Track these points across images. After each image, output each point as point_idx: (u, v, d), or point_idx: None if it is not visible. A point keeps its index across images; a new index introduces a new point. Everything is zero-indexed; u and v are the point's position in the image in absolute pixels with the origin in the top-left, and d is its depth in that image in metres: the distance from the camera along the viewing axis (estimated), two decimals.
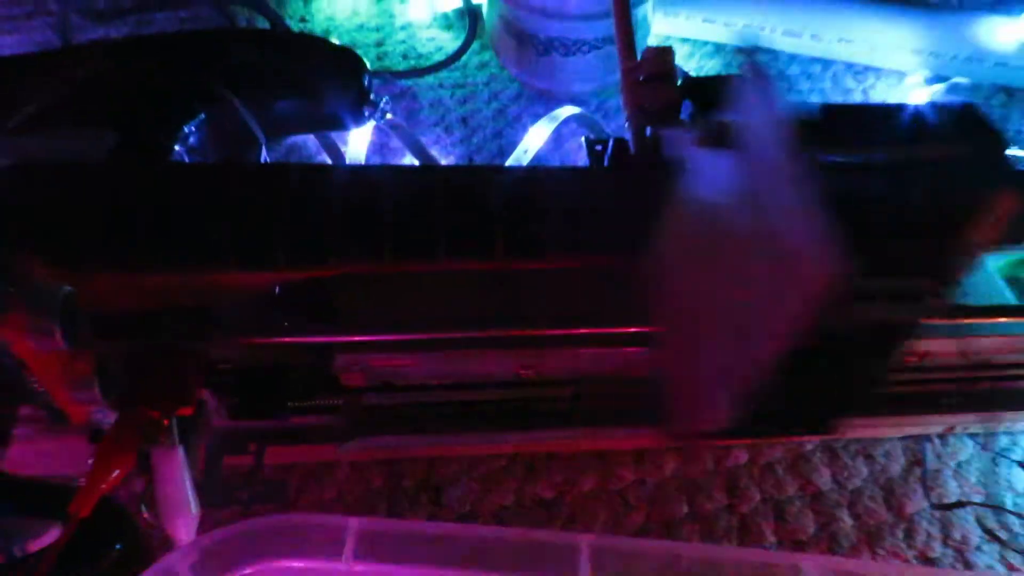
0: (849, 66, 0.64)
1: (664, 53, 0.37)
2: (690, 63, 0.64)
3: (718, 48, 0.65)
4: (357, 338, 0.31)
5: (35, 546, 0.22)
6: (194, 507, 0.25)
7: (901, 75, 0.63)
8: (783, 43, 0.64)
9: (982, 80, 0.63)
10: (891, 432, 0.40)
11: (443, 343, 0.32)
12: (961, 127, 0.36)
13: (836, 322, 0.26)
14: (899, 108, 0.36)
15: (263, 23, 0.61)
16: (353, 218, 0.32)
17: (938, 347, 0.34)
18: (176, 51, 0.39)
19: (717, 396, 0.27)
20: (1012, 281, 0.38)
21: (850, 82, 0.63)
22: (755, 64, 0.25)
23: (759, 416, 0.28)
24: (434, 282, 0.33)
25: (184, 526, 0.25)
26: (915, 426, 0.39)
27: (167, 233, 0.28)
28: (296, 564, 0.22)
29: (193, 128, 0.36)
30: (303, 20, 0.63)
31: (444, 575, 0.22)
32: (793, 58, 0.65)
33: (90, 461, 0.23)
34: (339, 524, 0.22)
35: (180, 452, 0.25)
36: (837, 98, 0.63)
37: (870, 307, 0.28)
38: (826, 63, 0.65)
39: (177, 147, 0.35)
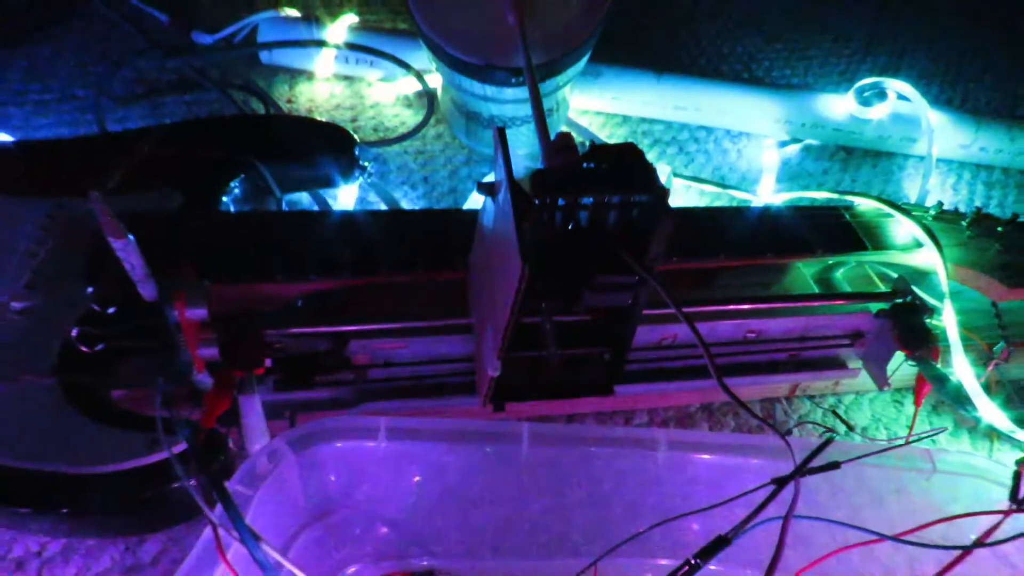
0: (727, 132, 0.82)
1: (567, 136, 0.52)
2: (603, 131, 0.81)
3: (625, 119, 0.82)
4: (364, 327, 0.44)
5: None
6: (267, 433, 0.37)
7: (765, 137, 0.81)
8: (675, 115, 0.81)
9: (826, 141, 0.81)
10: (749, 394, 0.55)
11: (422, 330, 0.45)
12: None
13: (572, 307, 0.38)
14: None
15: (257, 104, 0.76)
16: (356, 245, 0.45)
17: (767, 326, 0.49)
18: (219, 132, 0.52)
19: (486, 351, 0.39)
20: (820, 281, 0.54)
21: (727, 144, 0.81)
22: (502, 133, 0.37)
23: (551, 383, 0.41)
24: (413, 289, 0.46)
25: (260, 444, 0.37)
26: (765, 387, 0.54)
27: (236, 258, 0.42)
28: (347, 445, 0.34)
29: (234, 187, 0.49)
30: (289, 101, 0.78)
31: (442, 448, 0.35)
32: (684, 126, 0.82)
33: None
34: (374, 423, 0.35)
35: (257, 397, 0.37)
36: (719, 156, 0.79)
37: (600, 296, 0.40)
38: (709, 130, 0.82)
39: (224, 199, 0.48)
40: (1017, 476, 0.35)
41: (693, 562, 0.33)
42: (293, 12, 0.81)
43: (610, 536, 0.37)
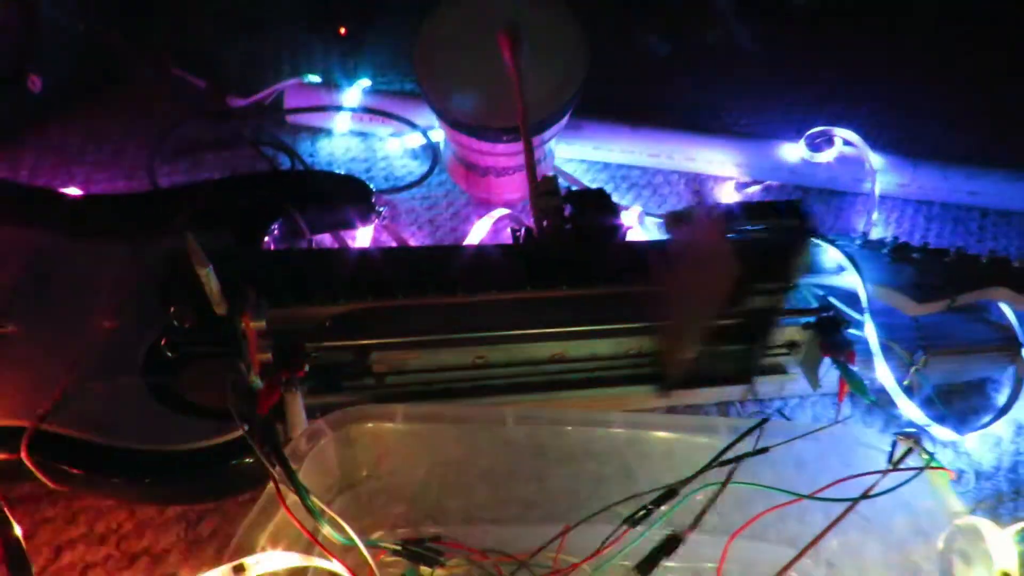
0: (696, 175, 0.93)
1: (550, 180, 0.63)
2: (586, 176, 0.92)
3: (606, 166, 0.93)
4: (382, 341, 0.54)
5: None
6: (306, 422, 0.47)
7: (730, 179, 0.92)
8: (649, 161, 0.92)
9: (784, 181, 0.92)
10: (707, 398, 0.64)
11: (430, 343, 0.55)
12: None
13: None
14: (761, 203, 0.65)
15: (284, 159, 0.87)
16: (375, 275, 0.56)
17: None
18: (260, 184, 0.63)
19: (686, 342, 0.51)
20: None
21: (696, 186, 0.92)
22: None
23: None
24: (422, 309, 0.56)
25: (301, 431, 0.47)
26: (722, 392, 0.64)
27: (280, 286, 0.52)
28: (373, 426, 0.44)
29: (273, 229, 0.60)
30: (311, 156, 0.89)
31: (445, 429, 0.46)
32: (658, 171, 0.93)
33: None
34: (394, 409, 0.45)
35: (299, 394, 0.47)
36: (688, 198, 0.90)
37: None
38: (680, 173, 0.93)
39: (266, 239, 0.59)
40: (893, 444, 0.45)
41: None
42: (315, 78, 0.93)
43: (581, 504, 0.46)
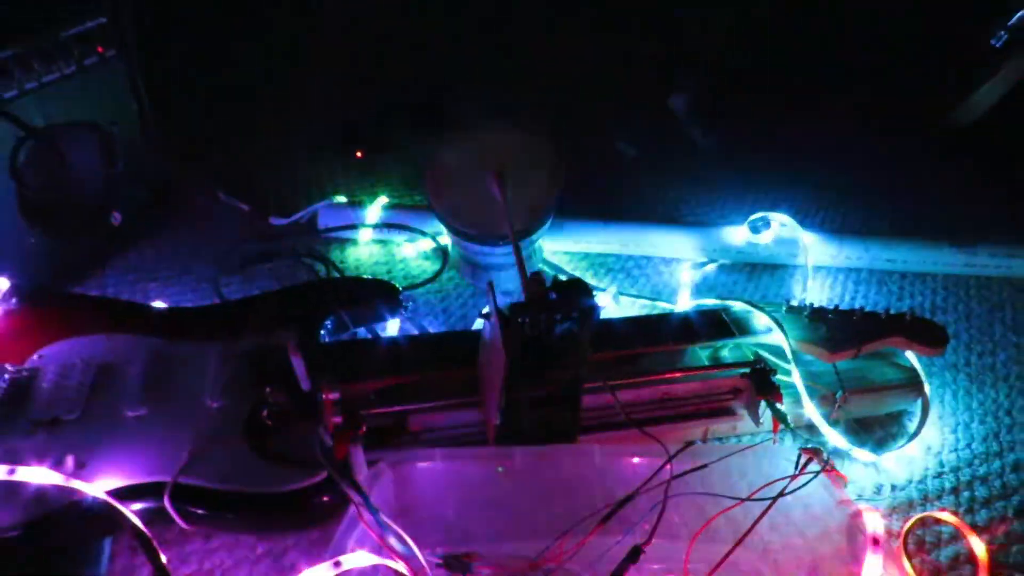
0: (661, 258, 1.11)
1: (538, 274, 0.81)
2: (570, 264, 1.10)
3: (586, 255, 1.12)
4: (414, 407, 0.71)
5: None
6: (365, 467, 0.63)
7: (688, 260, 1.10)
8: (622, 249, 1.11)
9: (734, 260, 1.11)
10: (673, 438, 0.80)
11: (450, 407, 0.72)
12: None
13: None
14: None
15: (320, 266, 1.06)
16: (405, 356, 0.73)
17: (674, 389, 0.76)
18: (314, 291, 0.82)
19: (490, 412, 0.67)
20: (713, 358, 0.82)
21: (661, 267, 1.10)
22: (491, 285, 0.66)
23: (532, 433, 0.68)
24: (444, 381, 0.74)
25: (363, 475, 0.62)
26: (683, 432, 0.80)
27: (338, 368, 0.69)
28: (420, 466, 0.60)
29: (327, 325, 0.78)
30: (342, 262, 1.08)
31: (471, 466, 0.61)
32: (630, 257, 1.12)
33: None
34: (434, 453, 0.61)
35: (360, 447, 0.63)
36: (655, 277, 1.08)
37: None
38: (648, 258, 1.11)
39: (322, 333, 0.76)
40: (799, 455, 0.61)
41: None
42: (342, 199, 1.13)
43: (573, 519, 0.62)
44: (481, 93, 1.34)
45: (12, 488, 0.57)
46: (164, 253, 1.08)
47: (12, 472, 0.56)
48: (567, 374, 0.65)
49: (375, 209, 1.10)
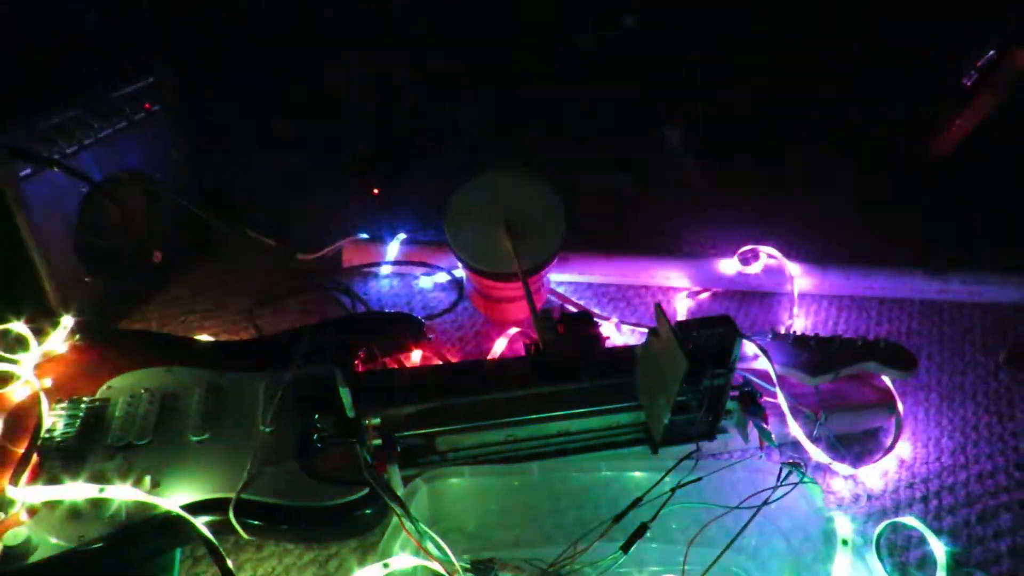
0: (659, 288, 1.21)
1: (547, 310, 0.91)
2: (575, 294, 1.20)
3: (590, 285, 1.21)
4: (440, 430, 0.80)
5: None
6: (402, 485, 0.72)
7: (684, 289, 1.20)
8: (622, 280, 1.20)
9: (725, 288, 1.20)
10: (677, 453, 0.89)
11: (474, 428, 0.81)
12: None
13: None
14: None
15: (345, 297, 1.15)
16: (430, 382, 0.82)
17: None
18: (346, 325, 0.91)
19: (657, 418, 0.77)
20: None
21: (659, 296, 1.19)
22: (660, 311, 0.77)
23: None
24: (468, 406, 0.83)
25: (401, 490, 0.71)
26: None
27: (372, 394, 0.78)
28: (451, 481, 0.69)
29: (360, 356, 0.87)
30: (365, 294, 1.17)
31: (493, 480, 0.70)
32: (630, 286, 1.21)
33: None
34: (462, 470, 0.70)
35: (396, 466, 0.72)
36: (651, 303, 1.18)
37: None
38: (645, 288, 1.21)
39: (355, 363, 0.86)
40: (780, 470, 0.70)
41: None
42: (364, 236, 1.22)
43: (584, 527, 0.71)
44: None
45: (101, 504, 0.66)
46: (200, 288, 1.17)
47: (102, 491, 0.65)
48: (720, 379, 0.76)
49: (395, 245, 1.20)
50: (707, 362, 0.75)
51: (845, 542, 0.64)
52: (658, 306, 0.77)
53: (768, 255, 1.19)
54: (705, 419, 0.81)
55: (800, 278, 1.18)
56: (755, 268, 1.18)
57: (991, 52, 1.48)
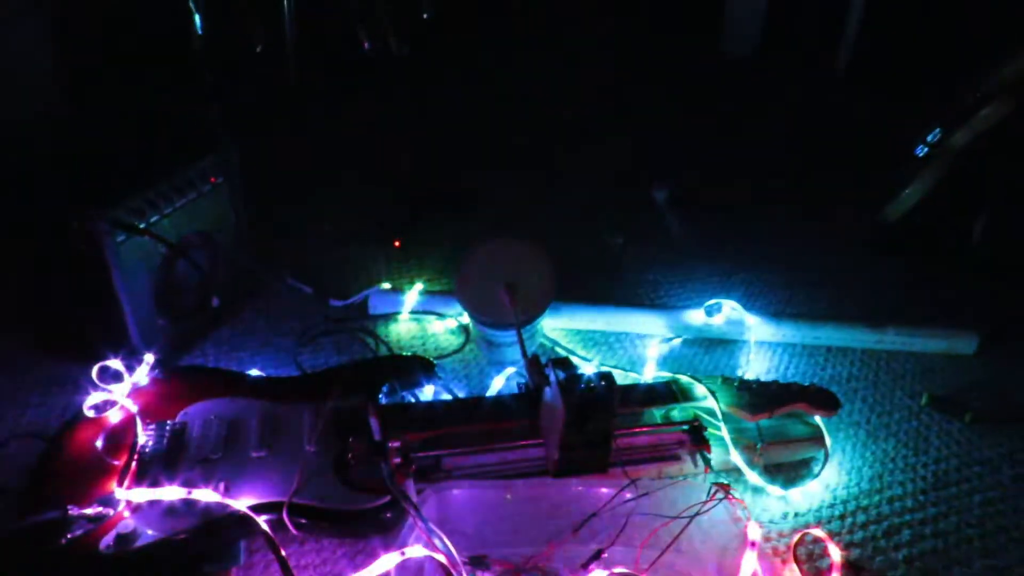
0: (637, 335, 1.41)
1: (536, 357, 1.12)
2: (564, 339, 1.40)
3: (578, 331, 1.42)
4: (448, 452, 1.00)
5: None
6: (415, 495, 0.92)
7: (657, 336, 1.40)
8: (606, 327, 1.41)
9: (696, 335, 1.40)
10: (634, 474, 1.09)
11: (476, 451, 1.01)
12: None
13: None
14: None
15: (368, 338, 1.36)
16: (439, 415, 1.03)
17: (632, 441, 1.05)
18: (375, 365, 1.12)
19: (551, 452, 0.97)
20: (665, 416, 1.11)
21: (637, 342, 1.40)
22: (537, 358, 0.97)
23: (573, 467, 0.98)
24: (471, 433, 1.03)
25: (414, 498, 0.91)
26: (642, 471, 1.08)
27: (394, 423, 0.99)
28: (455, 491, 0.89)
29: (385, 390, 1.08)
30: (386, 336, 1.39)
31: (488, 491, 0.91)
32: (612, 333, 1.41)
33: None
34: (464, 482, 0.90)
35: (411, 480, 0.92)
36: (631, 350, 1.38)
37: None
38: (626, 334, 1.41)
39: (381, 397, 1.07)
40: (710, 488, 0.90)
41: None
42: (387, 285, 1.44)
43: (561, 532, 0.91)
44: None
45: (189, 504, 0.87)
46: (250, 329, 1.39)
47: (190, 493, 0.86)
48: (601, 425, 0.95)
49: (413, 294, 1.41)
50: (588, 410, 0.94)
51: (754, 544, 0.84)
52: (551, 361, 0.97)
53: (731, 307, 1.39)
54: (596, 455, 0.99)
55: (758, 328, 1.38)
56: (719, 319, 1.38)
57: (937, 130, 1.69)
